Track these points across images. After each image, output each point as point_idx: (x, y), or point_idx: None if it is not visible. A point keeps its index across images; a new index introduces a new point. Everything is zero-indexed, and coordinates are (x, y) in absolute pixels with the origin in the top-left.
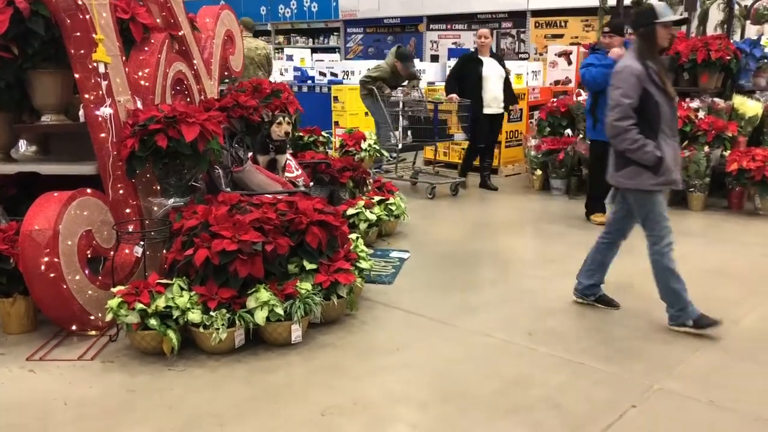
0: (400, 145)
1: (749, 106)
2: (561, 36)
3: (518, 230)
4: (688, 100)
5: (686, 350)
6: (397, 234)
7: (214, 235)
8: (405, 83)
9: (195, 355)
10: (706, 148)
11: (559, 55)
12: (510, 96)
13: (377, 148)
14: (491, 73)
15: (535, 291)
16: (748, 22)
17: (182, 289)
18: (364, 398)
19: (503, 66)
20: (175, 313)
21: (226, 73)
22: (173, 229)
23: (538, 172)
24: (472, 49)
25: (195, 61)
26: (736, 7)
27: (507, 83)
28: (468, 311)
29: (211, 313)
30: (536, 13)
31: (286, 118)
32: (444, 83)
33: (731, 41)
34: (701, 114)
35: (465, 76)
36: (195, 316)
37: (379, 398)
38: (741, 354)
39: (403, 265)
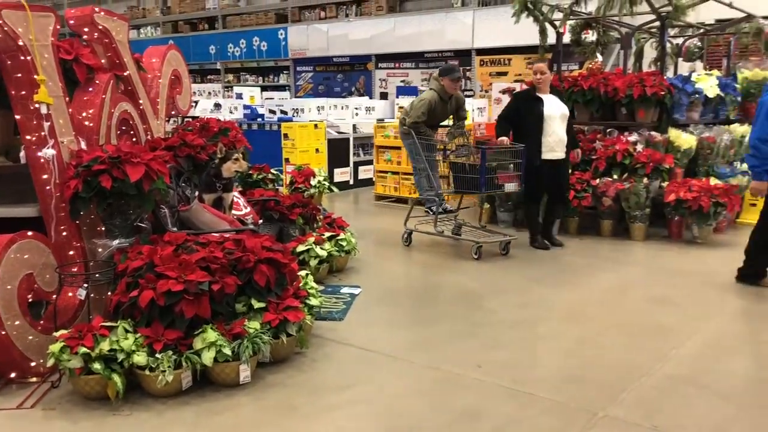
0: (444, 203)
1: (684, 139)
2: (505, 73)
3: (468, 263)
4: (626, 134)
5: (631, 377)
6: (348, 269)
7: (159, 276)
8: (449, 125)
9: (141, 398)
10: (645, 180)
11: (503, 92)
12: (572, 139)
13: (327, 184)
14: (554, 112)
15: (485, 323)
16: (680, 59)
17: (127, 331)
18: None
19: (565, 103)
20: (120, 356)
21: (173, 112)
22: (118, 271)
23: (486, 205)
24: (515, 86)
25: (141, 101)
26: (669, 45)
27: (570, 123)
28: (419, 345)
29: (157, 355)
30: (481, 52)
31: (240, 155)
32: (497, 125)
33: (665, 77)
34: (639, 147)
35: (521, 117)
36: (140, 358)
37: None
38: (683, 379)
39: (354, 300)
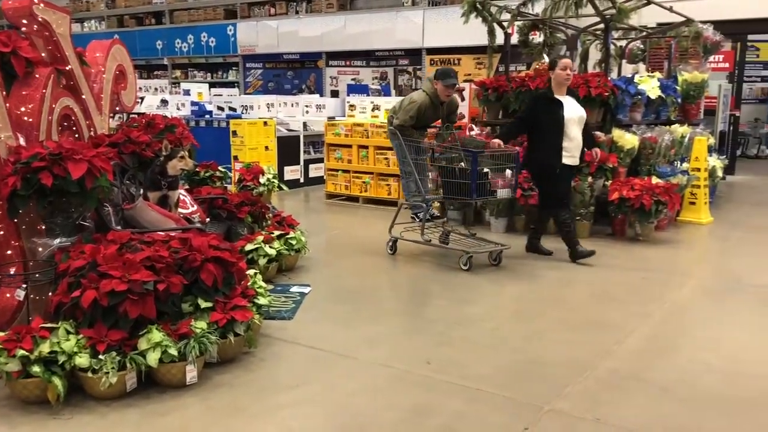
0: (430, 209)
1: (627, 139)
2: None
3: (418, 260)
4: None
5: (575, 371)
6: (298, 268)
7: (102, 275)
8: (436, 126)
9: (83, 401)
10: (590, 179)
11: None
12: (590, 138)
13: (276, 182)
14: (573, 115)
15: (434, 320)
16: (623, 61)
17: (69, 332)
18: None
19: (582, 105)
20: (61, 358)
21: (117, 108)
22: (59, 271)
23: (436, 204)
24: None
25: (84, 96)
26: (613, 47)
27: (587, 127)
28: (369, 343)
29: (101, 356)
30: (431, 51)
31: (186, 153)
32: (507, 127)
33: (609, 79)
34: None
35: (539, 121)
36: (83, 360)
37: None
38: (625, 373)
39: (304, 299)
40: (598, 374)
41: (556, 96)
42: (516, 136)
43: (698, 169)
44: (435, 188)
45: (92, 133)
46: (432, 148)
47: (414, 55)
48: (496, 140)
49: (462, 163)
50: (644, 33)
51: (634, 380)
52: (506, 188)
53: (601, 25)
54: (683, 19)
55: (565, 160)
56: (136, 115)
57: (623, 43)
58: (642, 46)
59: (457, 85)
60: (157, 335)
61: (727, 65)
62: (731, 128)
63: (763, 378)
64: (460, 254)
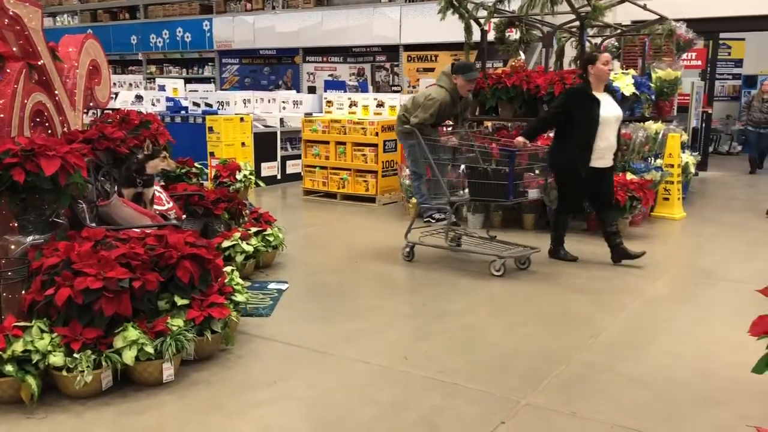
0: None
1: None
2: (432, 69)
3: (396, 257)
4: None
5: (551, 365)
6: (275, 265)
7: (77, 273)
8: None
9: (58, 400)
10: None
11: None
12: (619, 141)
13: (253, 179)
14: (609, 114)
15: (411, 315)
16: None
17: (43, 331)
18: None
19: (619, 104)
20: (35, 357)
21: (91, 104)
22: (32, 268)
23: (414, 200)
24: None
25: (57, 92)
26: (588, 44)
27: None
28: (346, 339)
29: (75, 355)
30: (408, 48)
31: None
32: (534, 124)
33: None
34: None
35: (571, 118)
36: (57, 359)
37: None
38: (601, 366)
39: (281, 296)
40: (573, 368)
41: (594, 93)
42: (543, 133)
43: (672, 166)
44: (453, 189)
45: (65, 129)
46: (457, 146)
47: (391, 51)
48: (520, 138)
49: (489, 163)
50: (619, 30)
51: (609, 373)
52: (536, 188)
53: (577, 23)
54: (657, 17)
55: (595, 163)
56: (110, 111)
57: (598, 40)
58: (617, 43)
59: (478, 77)
60: (133, 333)
61: (699, 63)
62: (704, 125)
63: (734, 369)
64: (491, 258)
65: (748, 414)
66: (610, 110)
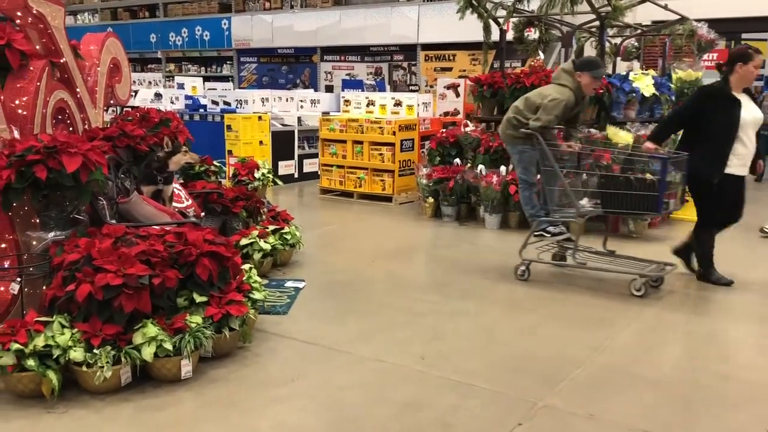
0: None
1: (621, 136)
2: (450, 69)
3: (412, 256)
4: None
5: (568, 367)
6: (293, 263)
7: (97, 269)
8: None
9: (78, 395)
10: (584, 176)
11: (448, 87)
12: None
13: (271, 177)
14: (751, 117)
15: (427, 314)
16: (618, 58)
17: (63, 326)
18: (256, 431)
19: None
20: (56, 352)
21: (112, 102)
22: (53, 264)
23: (430, 199)
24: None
25: (78, 90)
26: (608, 44)
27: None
28: (362, 338)
29: (95, 350)
30: (426, 47)
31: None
32: (661, 127)
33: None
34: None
35: (706, 120)
36: (77, 354)
37: (271, 430)
38: (617, 368)
39: (298, 294)
40: (591, 370)
41: (734, 93)
42: (668, 137)
43: None
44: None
45: (86, 127)
46: (584, 152)
47: (409, 50)
48: (649, 143)
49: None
50: (639, 31)
51: (626, 375)
52: (674, 199)
53: (597, 23)
54: (678, 17)
55: (734, 170)
56: (130, 109)
57: (618, 40)
58: (636, 43)
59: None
60: (152, 329)
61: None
62: None
63: (753, 372)
64: (632, 277)
65: (766, 417)
66: (750, 112)
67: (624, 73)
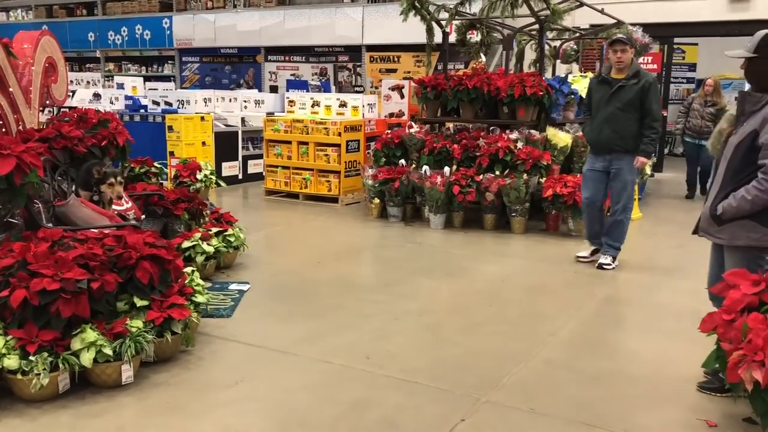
0: None
1: (560, 137)
2: (394, 70)
3: (358, 257)
4: (508, 132)
5: (511, 363)
6: (237, 266)
7: (33, 274)
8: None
9: (12, 404)
10: (525, 176)
11: (393, 89)
12: None
13: (214, 178)
14: None
15: (373, 315)
16: (557, 61)
17: None
18: None
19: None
20: None
21: (47, 102)
22: None
23: (376, 200)
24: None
25: (11, 89)
26: (547, 47)
27: None
28: (308, 339)
29: (31, 357)
30: (371, 48)
31: (119, 178)
32: None
33: (543, 78)
34: (520, 144)
35: None
36: (12, 362)
37: None
38: (559, 364)
39: (242, 297)
40: (532, 365)
41: None
42: None
43: None
44: None
45: (21, 128)
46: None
47: (354, 51)
48: None
49: None
50: (577, 34)
51: (567, 370)
52: None
53: (536, 26)
54: (614, 21)
55: None
56: (67, 109)
57: (557, 43)
58: (575, 46)
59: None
60: (91, 335)
61: (655, 66)
62: None
63: (688, 364)
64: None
65: (698, 407)
66: None
67: (563, 75)
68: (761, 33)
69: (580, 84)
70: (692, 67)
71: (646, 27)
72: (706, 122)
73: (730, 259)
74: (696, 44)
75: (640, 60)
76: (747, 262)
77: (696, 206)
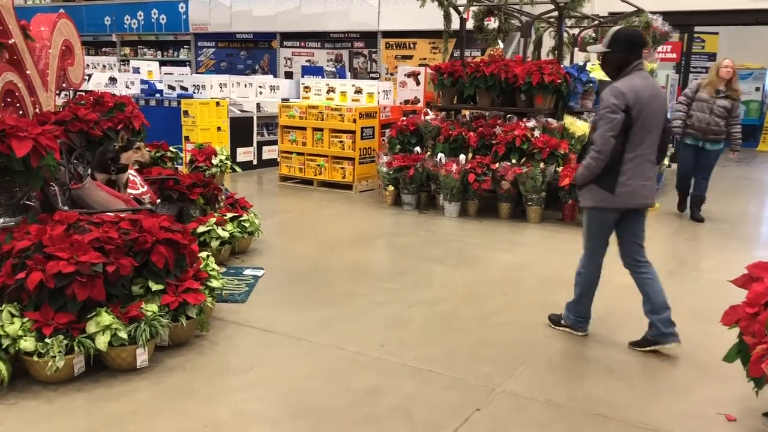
0: None
1: (578, 126)
2: (410, 57)
3: (372, 244)
4: (525, 120)
5: (526, 352)
6: (251, 251)
7: (49, 257)
8: None
9: (28, 386)
10: (542, 165)
11: (408, 75)
12: None
13: (229, 163)
14: None
15: (387, 303)
16: (575, 49)
17: (13, 315)
18: (214, 421)
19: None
20: (5, 342)
21: (64, 85)
22: (2, 252)
23: (390, 187)
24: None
25: (28, 72)
26: (566, 35)
27: None
28: (322, 326)
29: (47, 340)
30: (387, 35)
31: (143, 143)
32: None
33: (561, 66)
34: (537, 133)
35: None
36: (28, 344)
37: (230, 419)
38: (573, 354)
39: (257, 282)
40: (548, 355)
41: None
42: None
43: None
44: None
45: (37, 110)
46: None
47: (369, 38)
48: None
49: None
50: (596, 22)
51: (582, 361)
52: None
53: (555, 13)
54: (634, 9)
55: None
56: (83, 93)
57: (576, 31)
58: (594, 34)
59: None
60: (106, 318)
61: (674, 56)
62: None
63: (707, 356)
64: None
65: (717, 401)
66: None
67: (581, 63)
68: (614, 29)
69: (599, 72)
70: (712, 56)
71: (666, 15)
72: (715, 118)
73: (585, 218)
74: (716, 33)
75: (659, 49)
76: (593, 220)
77: (712, 198)
